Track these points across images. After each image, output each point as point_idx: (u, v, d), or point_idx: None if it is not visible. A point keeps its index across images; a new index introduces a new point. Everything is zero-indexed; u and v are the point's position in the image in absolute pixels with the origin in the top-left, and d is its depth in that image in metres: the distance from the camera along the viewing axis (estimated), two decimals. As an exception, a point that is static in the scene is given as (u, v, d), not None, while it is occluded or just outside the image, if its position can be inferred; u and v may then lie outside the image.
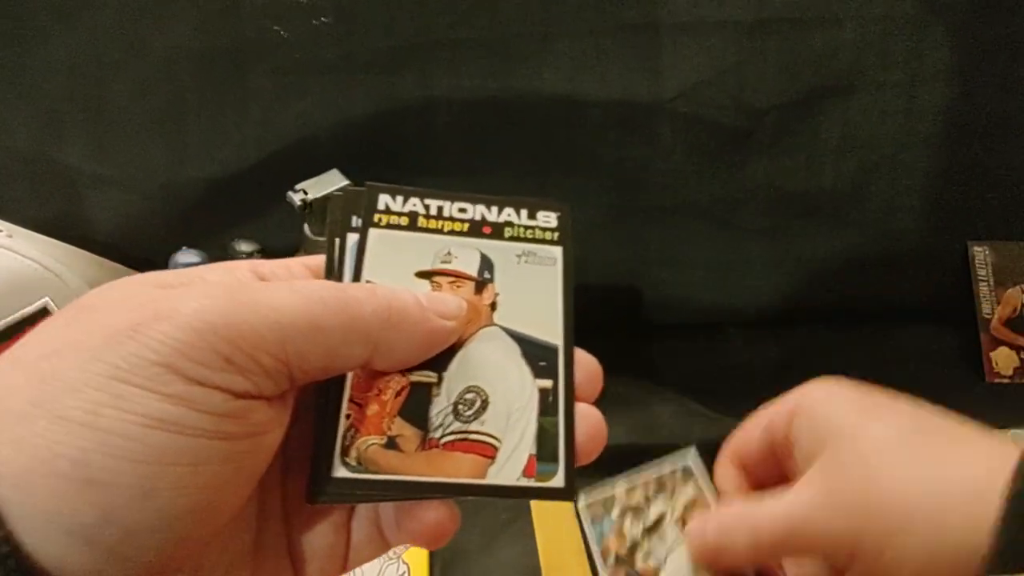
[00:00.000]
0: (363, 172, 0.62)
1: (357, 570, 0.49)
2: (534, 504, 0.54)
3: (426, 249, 0.25)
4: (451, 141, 0.64)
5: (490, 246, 0.25)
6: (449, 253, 0.25)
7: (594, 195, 0.64)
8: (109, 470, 0.16)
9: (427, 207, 0.25)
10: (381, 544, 0.24)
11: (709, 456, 0.49)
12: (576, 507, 0.39)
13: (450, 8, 0.59)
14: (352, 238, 0.24)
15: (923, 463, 0.27)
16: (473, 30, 0.60)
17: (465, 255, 0.25)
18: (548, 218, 0.26)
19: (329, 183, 0.62)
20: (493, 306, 0.25)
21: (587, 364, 0.26)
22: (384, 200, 0.25)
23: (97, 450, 0.16)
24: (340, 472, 0.21)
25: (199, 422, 0.17)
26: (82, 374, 0.17)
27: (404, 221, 0.25)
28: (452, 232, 0.25)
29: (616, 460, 0.40)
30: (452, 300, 0.23)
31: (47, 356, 0.17)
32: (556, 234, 0.26)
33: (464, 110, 0.62)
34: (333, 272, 0.24)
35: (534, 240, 0.26)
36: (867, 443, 0.28)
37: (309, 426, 0.22)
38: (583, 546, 0.50)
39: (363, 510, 0.24)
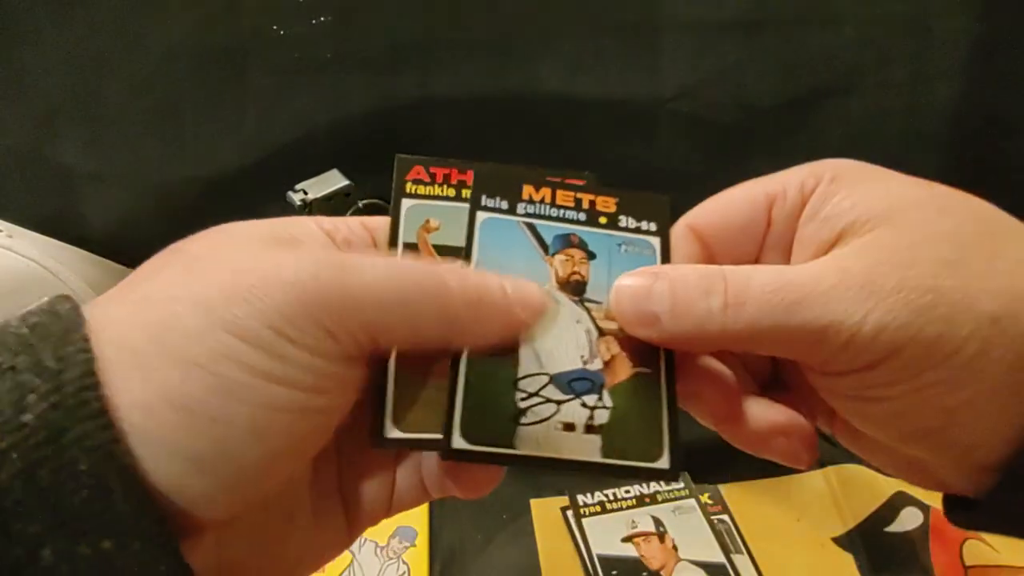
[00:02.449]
0: (362, 172, 0.63)
1: (357, 570, 0.49)
2: (534, 504, 0.54)
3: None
4: (450, 140, 0.64)
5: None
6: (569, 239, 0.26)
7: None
8: (227, 410, 0.18)
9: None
10: (423, 493, 0.25)
11: (711, 457, 0.50)
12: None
13: (450, 7, 0.59)
14: (410, 203, 0.26)
15: (1006, 255, 0.22)
16: (473, 30, 0.60)
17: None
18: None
19: (329, 183, 0.62)
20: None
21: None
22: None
23: (216, 392, 0.18)
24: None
25: (301, 378, 0.19)
26: (199, 325, 0.18)
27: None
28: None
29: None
30: (535, 291, 0.23)
31: (167, 301, 0.19)
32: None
33: (464, 110, 0.62)
34: (396, 236, 0.25)
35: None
36: (940, 225, 0.22)
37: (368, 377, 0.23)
38: (579, 547, 0.50)
39: (409, 461, 0.25)
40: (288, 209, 0.61)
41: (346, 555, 0.50)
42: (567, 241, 0.26)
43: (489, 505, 0.54)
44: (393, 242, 0.26)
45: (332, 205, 0.61)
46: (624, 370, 0.24)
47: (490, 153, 0.63)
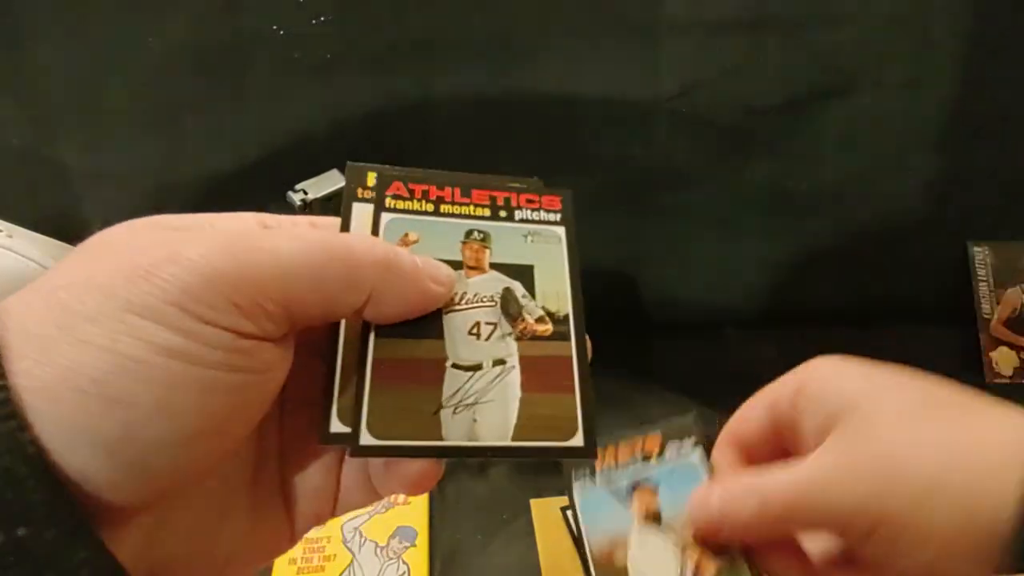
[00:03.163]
0: (363, 172, 0.63)
1: (357, 570, 0.49)
2: (534, 504, 0.54)
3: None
4: (450, 140, 0.64)
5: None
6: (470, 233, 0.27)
7: (593, 195, 0.64)
8: (129, 391, 0.18)
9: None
10: (370, 492, 0.25)
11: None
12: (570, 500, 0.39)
13: (449, 7, 0.59)
14: (360, 207, 0.26)
15: (946, 432, 0.27)
16: (473, 29, 0.60)
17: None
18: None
19: (329, 183, 0.62)
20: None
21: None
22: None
23: (118, 372, 0.18)
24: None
25: (209, 355, 0.19)
26: (99, 306, 0.18)
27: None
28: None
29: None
30: (445, 267, 0.25)
31: (65, 287, 0.19)
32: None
33: (463, 109, 0.62)
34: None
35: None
36: (886, 414, 0.28)
37: (309, 372, 0.23)
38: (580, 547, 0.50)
39: (356, 459, 0.25)
40: (288, 209, 0.61)
41: (346, 555, 0.50)
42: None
43: (489, 505, 0.54)
44: None
45: (332, 205, 0.61)
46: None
47: (489, 152, 0.63)
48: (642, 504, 0.31)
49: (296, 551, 0.50)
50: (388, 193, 0.27)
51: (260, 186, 0.65)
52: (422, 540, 0.51)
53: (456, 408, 0.24)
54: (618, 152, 0.62)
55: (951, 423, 0.27)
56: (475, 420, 0.24)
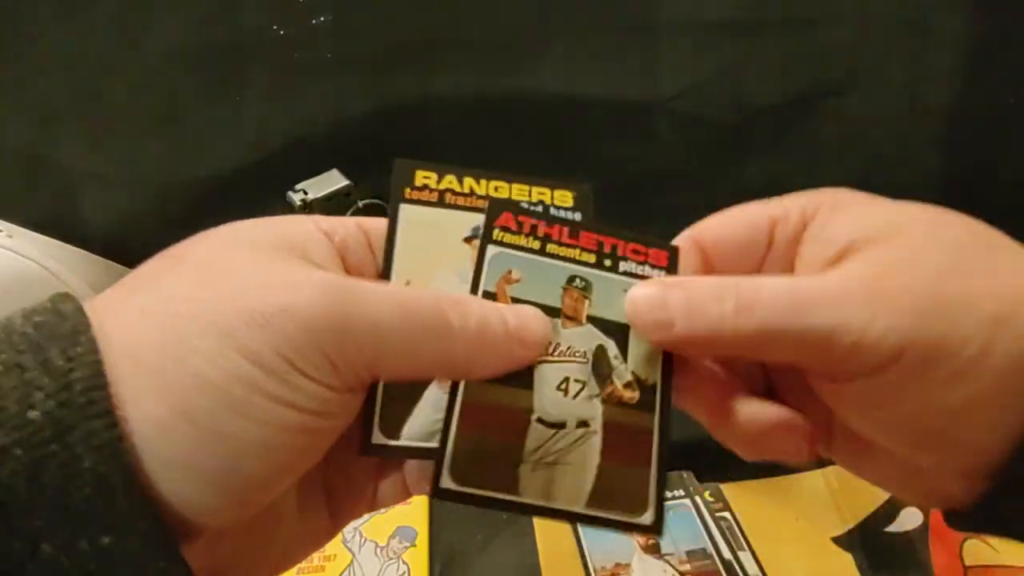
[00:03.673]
0: (362, 172, 0.63)
1: (357, 570, 0.49)
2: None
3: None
4: (450, 140, 0.64)
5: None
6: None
7: (593, 195, 0.64)
8: (239, 427, 0.19)
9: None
10: (403, 492, 0.26)
11: (710, 456, 0.50)
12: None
13: (449, 7, 0.59)
14: (409, 210, 0.26)
15: (1009, 265, 0.23)
16: (472, 29, 0.60)
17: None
18: (565, 197, 0.28)
19: (329, 183, 0.62)
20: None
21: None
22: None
23: (229, 409, 0.19)
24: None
25: (308, 403, 0.20)
26: (217, 346, 0.19)
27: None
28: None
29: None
30: (538, 328, 0.24)
31: (178, 316, 0.20)
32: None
33: (463, 110, 0.62)
34: (392, 243, 0.25)
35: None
36: (940, 239, 0.23)
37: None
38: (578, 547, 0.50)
39: (392, 461, 0.26)
40: (288, 209, 0.61)
41: (346, 555, 0.50)
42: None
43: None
44: (389, 247, 0.26)
45: (332, 205, 0.61)
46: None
47: (489, 153, 0.63)
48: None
49: (296, 551, 0.50)
50: (497, 225, 0.26)
51: (260, 186, 0.65)
52: (422, 540, 0.51)
53: (535, 465, 0.24)
54: (618, 152, 0.62)
55: (1012, 259, 0.23)
56: (552, 480, 0.24)
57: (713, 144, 0.61)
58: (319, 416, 0.21)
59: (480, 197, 0.27)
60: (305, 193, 0.61)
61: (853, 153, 0.61)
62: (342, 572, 0.49)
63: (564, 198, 0.28)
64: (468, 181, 0.27)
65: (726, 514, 0.52)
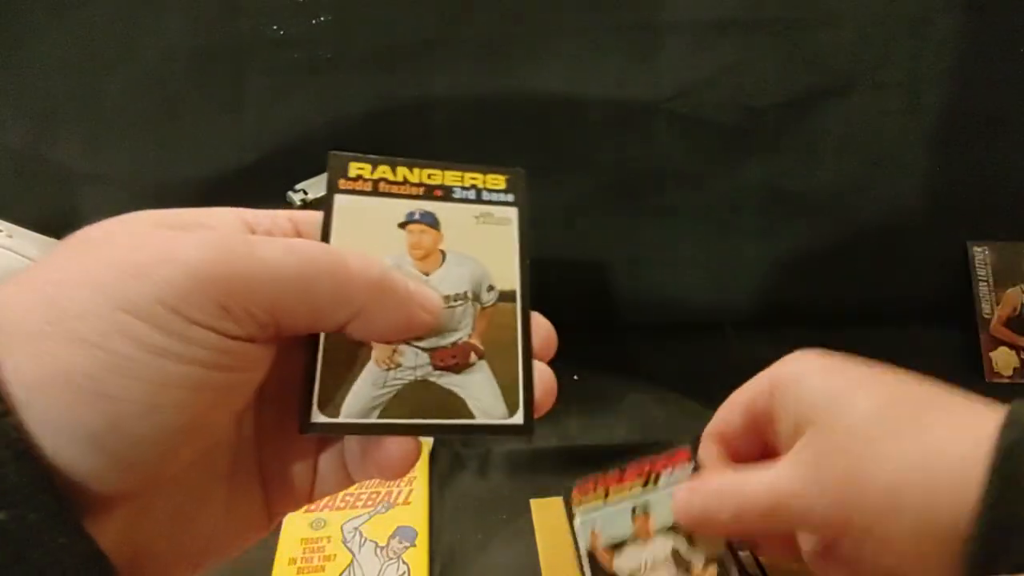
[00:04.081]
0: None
1: (357, 570, 0.49)
2: (534, 504, 0.54)
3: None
4: (449, 140, 0.64)
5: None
6: (412, 213, 0.27)
7: (593, 195, 0.64)
8: (118, 387, 0.18)
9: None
10: (345, 478, 0.26)
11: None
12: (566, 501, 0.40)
13: (449, 7, 0.59)
14: (343, 200, 0.26)
15: (909, 436, 0.27)
16: (472, 29, 0.60)
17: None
18: (498, 181, 0.29)
19: (328, 183, 0.62)
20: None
21: (542, 325, 0.28)
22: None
23: (108, 369, 0.18)
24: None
25: (196, 355, 0.19)
26: (91, 304, 0.18)
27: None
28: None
29: (612, 459, 0.40)
30: (435, 296, 0.25)
31: (57, 283, 0.19)
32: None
33: (462, 109, 0.62)
34: (328, 231, 0.26)
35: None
36: (851, 418, 0.28)
37: (286, 363, 0.24)
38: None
39: (333, 446, 0.26)
40: (287, 209, 0.61)
41: (346, 555, 0.50)
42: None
43: (489, 505, 0.54)
44: (324, 236, 0.26)
45: (332, 205, 0.61)
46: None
47: (489, 152, 0.63)
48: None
49: (296, 551, 0.50)
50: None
51: (260, 186, 0.65)
52: (422, 540, 0.51)
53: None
54: (618, 152, 0.62)
55: (914, 428, 0.27)
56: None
57: (713, 144, 0.61)
58: (215, 369, 0.20)
59: (414, 185, 0.27)
60: (305, 193, 0.61)
61: (853, 153, 0.61)
62: (342, 572, 0.49)
63: (496, 182, 0.28)
64: (401, 170, 0.27)
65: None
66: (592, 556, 0.43)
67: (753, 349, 0.65)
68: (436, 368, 0.25)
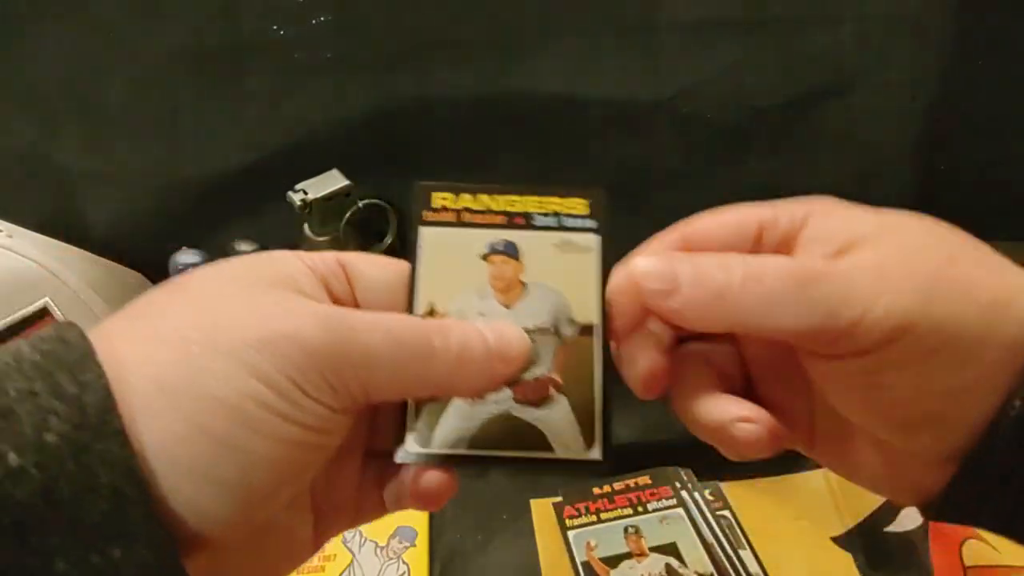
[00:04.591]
0: (362, 172, 0.63)
1: (357, 570, 0.49)
2: (534, 504, 0.54)
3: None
4: (450, 140, 0.64)
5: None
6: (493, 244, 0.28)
7: (609, 198, 0.64)
8: (250, 442, 0.21)
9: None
10: (380, 507, 0.28)
11: (710, 456, 0.50)
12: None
13: (449, 7, 0.59)
14: (428, 232, 0.27)
15: (986, 260, 0.24)
16: (472, 29, 0.60)
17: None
18: (579, 205, 0.28)
19: (329, 183, 0.62)
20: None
21: None
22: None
23: (243, 425, 0.21)
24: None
25: (310, 420, 0.22)
26: (224, 367, 0.21)
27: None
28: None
29: (615, 458, 0.40)
30: (519, 340, 0.26)
31: (189, 340, 0.21)
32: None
33: (463, 109, 0.62)
34: (415, 267, 0.27)
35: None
36: (926, 231, 0.24)
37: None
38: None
39: (371, 477, 0.28)
40: (288, 209, 0.61)
41: (346, 555, 0.50)
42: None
43: (489, 505, 0.54)
44: (413, 272, 0.27)
45: (332, 205, 0.61)
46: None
47: (489, 152, 0.63)
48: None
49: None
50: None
51: (260, 186, 0.65)
52: (422, 540, 0.51)
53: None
54: (618, 152, 0.62)
55: (997, 259, 0.24)
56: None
57: (713, 144, 0.61)
58: (319, 433, 0.23)
59: (496, 213, 0.28)
60: (305, 193, 0.61)
61: (853, 153, 0.61)
62: (342, 572, 0.49)
63: (577, 206, 0.28)
64: (483, 198, 0.28)
65: (726, 512, 0.52)
66: (588, 566, 0.44)
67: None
68: (517, 402, 0.26)
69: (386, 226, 0.65)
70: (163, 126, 0.65)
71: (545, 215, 0.28)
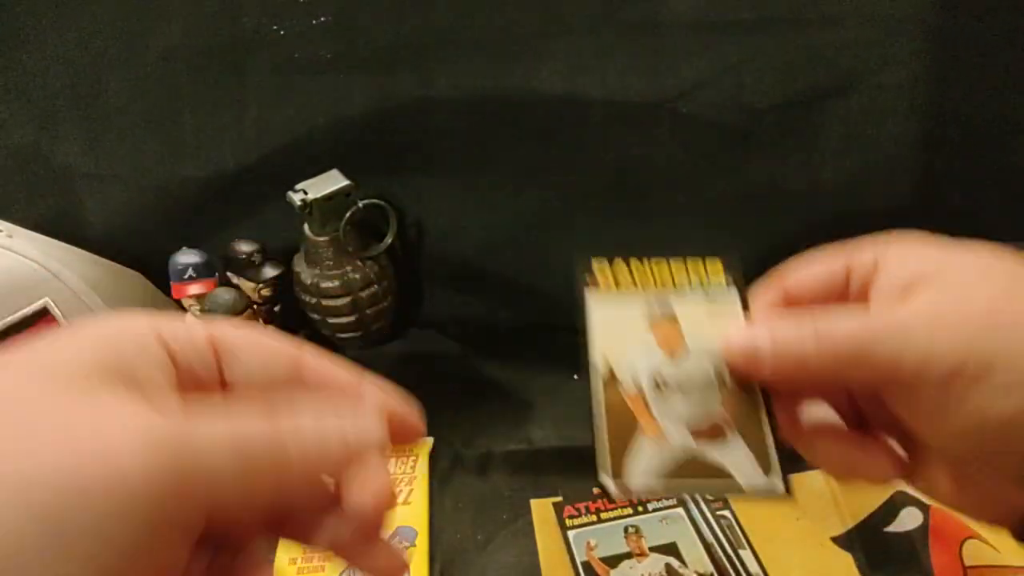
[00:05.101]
0: (362, 172, 0.63)
1: (358, 571, 0.49)
2: (534, 504, 0.54)
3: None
4: (450, 140, 0.64)
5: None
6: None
7: (594, 195, 0.64)
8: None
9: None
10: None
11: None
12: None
13: (449, 7, 0.59)
14: (596, 302, 0.32)
15: None
16: (472, 29, 0.60)
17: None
18: (716, 270, 0.33)
19: (329, 183, 0.62)
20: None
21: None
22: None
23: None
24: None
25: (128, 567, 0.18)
26: (32, 531, 0.17)
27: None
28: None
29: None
30: (378, 431, 0.24)
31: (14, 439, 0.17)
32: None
33: (463, 109, 0.62)
34: (589, 338, 0.31)
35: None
36: (983, 273, 0.26)
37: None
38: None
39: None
40: (288, 209, 0.61)
41: (346, 555, 0.50)
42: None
43: (489, 505, 0.54)
44: (587, 334, 0.31)
45: (332, 205, 0.61)
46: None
47: (489, 152, 0.63)
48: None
49: (296, 551, 0.50)
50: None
51: (260, 186, 0.65)
52: (422, 540, 0.51)
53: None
54: (618, 152, 0.62)
55: None
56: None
57: (713, 144, 0.61)
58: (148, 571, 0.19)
59: (649, 282, 0.32)
60: (305, 193, 0.61)
61: (853, 153, 0.61)
62: (342, 572, 0.49)
63: (715, 270, 0.33)
64: (636, 267, 0.32)
65: (726, 512, 0.52)
66: (588, 566, 0.44)
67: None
68: (698, 443, 0.29)
69: (386, 226, 0.65)
70: (163, 126, 0.65)
71: (691, 282, 0.32)
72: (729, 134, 0.60)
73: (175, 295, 0.64)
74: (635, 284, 0.32)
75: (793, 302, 0.30)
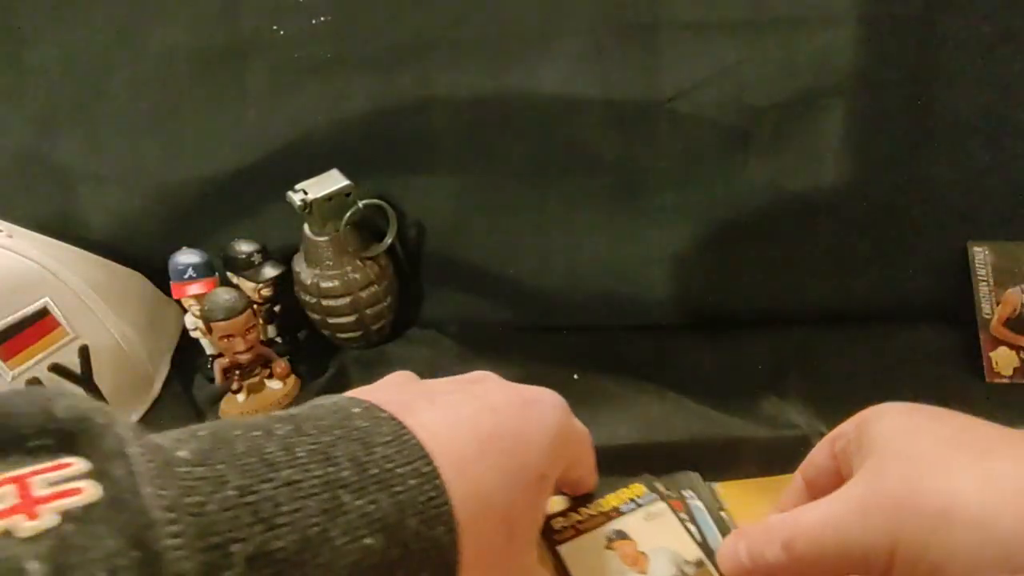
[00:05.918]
0: (362, 172, 0.63)
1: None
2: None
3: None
4: (450, 140, 0.64)
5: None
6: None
7: (593, 195, 0.64)
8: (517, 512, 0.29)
9: (579, 514, 0.38)
10: None
11: (710, 456, 0.50)
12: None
13: (449, 7, 0.59)
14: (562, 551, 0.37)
15: (969, 459, 0.27)
16: (472, 29, 0.60)
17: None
18: (639, 489, 0.40)
19: (329, 183, 0.62)
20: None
21: None
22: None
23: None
24: None
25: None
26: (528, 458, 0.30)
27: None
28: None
29: (616, 458, 0.40)
30: None
31: (498, 452, 0.29)
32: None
33: (463, 109, 0.62)
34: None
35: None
36: (910, 446, 0.28)
37: None
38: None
39: None
40: (288, 209, 0.61)
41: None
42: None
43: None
44: None
45: (332, 205, 0.61)
46: None
47: (489, 152, 0.63)
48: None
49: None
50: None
51: (260, 186, 0.65)
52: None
53: None
54: (618, 152, 0.62)
55: (976, 454, 0.27)
56: None
57: (713, 144, 0.61)
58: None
59: (597, 515, 0.38)
60: (305, 193, 0.61)
61: (853, 153, 0.61)
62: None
63: (639, 490, 0.40)
64: (583, 511, 0.38)
65: (723, 514, 0.52)
66: None
67: (753, 348, 0.65)
68: None
69: (386, 226, 0.65)
70: (163, 126, 0.65)
71: (626, 503, 0.39)
72: (729, 134, 0.60)
73: (175, 295, 0.64)
74: (589, 523, 0.38)
75: (812, 487, 0.35)
